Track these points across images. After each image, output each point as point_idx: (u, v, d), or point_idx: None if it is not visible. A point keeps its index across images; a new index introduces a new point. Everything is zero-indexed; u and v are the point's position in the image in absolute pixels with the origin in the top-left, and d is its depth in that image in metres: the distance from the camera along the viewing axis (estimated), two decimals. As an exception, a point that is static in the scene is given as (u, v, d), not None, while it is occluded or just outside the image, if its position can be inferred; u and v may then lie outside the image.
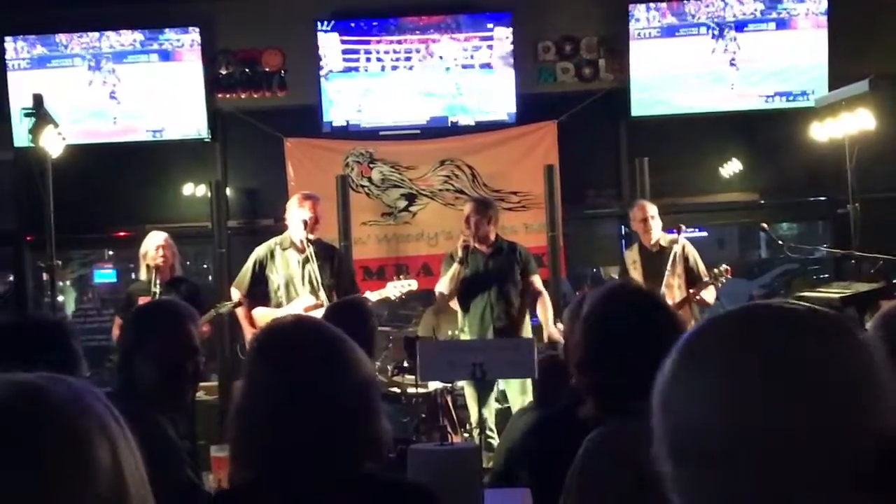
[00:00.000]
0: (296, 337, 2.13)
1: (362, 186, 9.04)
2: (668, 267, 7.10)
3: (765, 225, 8.34)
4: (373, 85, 9.01)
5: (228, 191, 9.17)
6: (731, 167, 9.46)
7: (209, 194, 8.78)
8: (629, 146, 9.25)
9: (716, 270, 7.04)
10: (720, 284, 7.08)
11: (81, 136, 8.61)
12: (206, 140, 9.05)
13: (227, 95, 9.20)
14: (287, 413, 1.99)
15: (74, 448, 0.97)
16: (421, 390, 6.62)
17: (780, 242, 8.58)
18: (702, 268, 7.23)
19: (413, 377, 6.27)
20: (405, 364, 6.88)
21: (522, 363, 4.76)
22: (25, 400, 0.99)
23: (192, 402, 6.81)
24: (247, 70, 9.20)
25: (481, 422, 6.32)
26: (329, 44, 8.95)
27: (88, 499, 0.96)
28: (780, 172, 9.22)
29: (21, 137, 8.08)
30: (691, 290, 7.03)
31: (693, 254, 7.26)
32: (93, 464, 0.97)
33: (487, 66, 8.99)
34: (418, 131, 9.05)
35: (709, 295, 7.09)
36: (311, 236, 6.58)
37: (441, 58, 9.00)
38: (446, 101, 9.05)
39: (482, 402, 6.43)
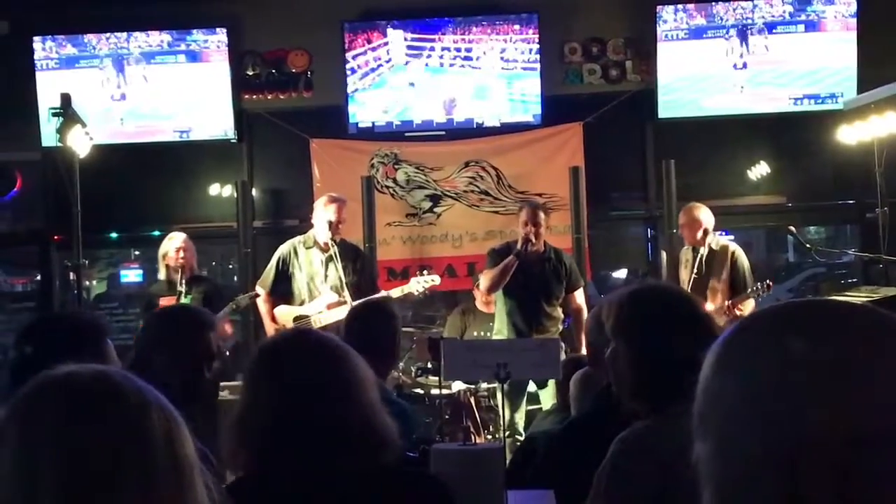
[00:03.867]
0: (292, 349, 2.29)
1: (387, 187, 9.04)
2: (715, 271, 7.10)
3: (792, 228, 8.27)
4: (398, 86, 9.02)
5: (254, 191, 9.20)
6: (759, 170, 9.40)
7: (235, 195, 8.80)
8: (655, 148, 9.21)
9: (758, 285, 7.00)
10: (759, 298, 7.03)
11: (109, 136, 8.67)
12: (233, 141, 9.09)
13: (254, 96, 9.23)
14: (283, 420, 2.15)
15: (133, 419, 1.17)
16: (445, 391, 6.61)
17: (807, 246, 8.51)
18: (748, 277, 7.18)
19: (437, 378, 6.26)
20: (429, 365, 6.87)
21: (547, 364, 4.74)
22: (97, 381, 1.22)
23: (215, 401, 6.87)
24: (273, 71, 9.23)
25: (512, 424, 6.31)
26: (355, 45, 8.96)
27: (147, 464, 1.16)
28: (808, 175, 9.16)
29: (49, 137, 8.12)
30: (729, 303, 6.98)
31: (743, 262, 7.22)
32: (149, 432, 1.17)
33: (513, 67, 8.97)
34: (443, 132, 9.04)
35: (748, 309, 7.03)
36: (330, 239, 6.63)
37: (467, 59, 8.99)
38: (471, 103, 9.04)
39: (514, 405, 6.43)
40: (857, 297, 6.59)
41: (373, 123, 9.05)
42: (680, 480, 1.10)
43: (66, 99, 6.95)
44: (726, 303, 6.99)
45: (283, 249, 6.87)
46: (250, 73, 9.19)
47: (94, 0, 8.98)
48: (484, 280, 7.04)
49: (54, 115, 6.90)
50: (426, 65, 9.00)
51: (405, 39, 9.00)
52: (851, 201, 9.20)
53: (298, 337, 2.45)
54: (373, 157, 9.06)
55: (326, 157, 9.06)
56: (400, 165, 9.07)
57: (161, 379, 2.90)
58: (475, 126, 9.06)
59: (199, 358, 3.09)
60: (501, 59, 8.98)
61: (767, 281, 7.09)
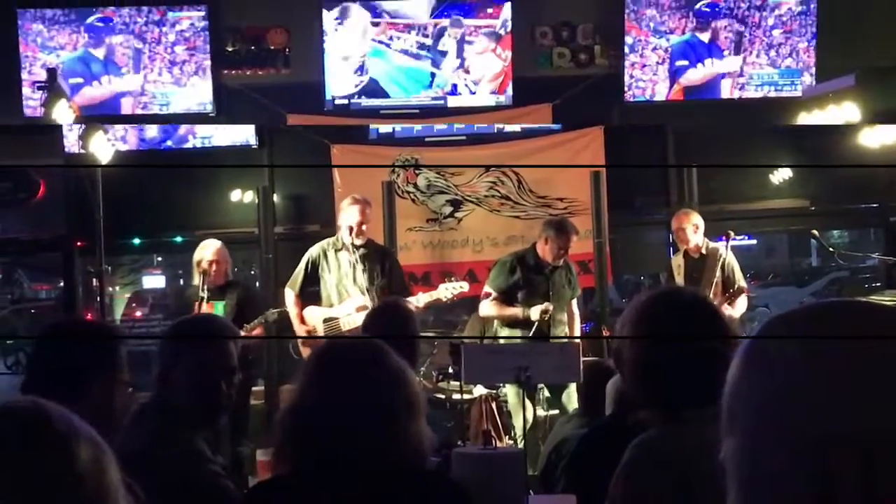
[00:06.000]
0: (349, 360, 2.38)
1: (408, 192, 9.04)
2: (706, 274, 7.08)
3: (815, 232, 8.24)
4: (372, 63, 9.19)
5: (275, 197, 9.23)
6: (781, 174, 9.35)
7: (256, 200, 8.83)
8: (677, 153, 9.19)
9: (731, 290, 6.99)
10: (735, 301, 7.02)
11: (131, 144, 8.76)
12: (254, 147, 9.14)
13: (234, 72, 9.29)
14: (334, 422, 2.25)
15: (62, 447, 1.22)
16: (466, 396, 6.60)
17: (830, 250, 8.48)
18: (737, 278, 7.15)
19: (458, 383, 6.26)
20: (450, 370, 6.86)
21: (568, 367, 4.72)
22: (28, 412, 1.26)
23: (246, 409, 6.90)
24: (252, 48, 9.32)
25: (525, 426, 6.28)
26: (330, 24, 9.11)
27: (75, 489, 1.20)
28: (831, 179, 9.11)
29: (72, 144, 8.20)
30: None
31: (731, 262, 7.18)
32: (78, 459, 1.22)
33: (484, 49, 9.13)
34: (464, 137, 9.08)
35: (732, 310, 6.98)
36: (357, 241, 6.62)
37: (441, 40, 9.14)
38: (445, 82, 9.20)
39: (526, 405, 6.39)
40: (882, 301, 6.54)
41: (393, 129, 9.13)
42: (695, 486, 1.09)
43: (51, 73, 7.03)
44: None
45: (313, 252, 6.87)
46: (230, 49, 9.27)
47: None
48: (491, 311, 6.96)
49: (39, 88, 6.97)
50: (398, 43, 9.16)
51: (379, 20, 9.16)
52: (875, 205, 9.14)
53: (359, 348, 2.50)
54: (393, 163, 9.08)
55: (347, 163, 9.08)
56: (421, 171, 9.07)
57: (177, 398, 2.89)
58: (496, 131, 9.09)
59: (216, 372, 3.00)
60: (476, 42, 9.13)
61: (742, 283, 7.08)
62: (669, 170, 9.24)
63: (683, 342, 2.29)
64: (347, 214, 6.67)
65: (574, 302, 7.19)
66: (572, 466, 3.52)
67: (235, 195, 9.56)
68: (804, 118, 8.00)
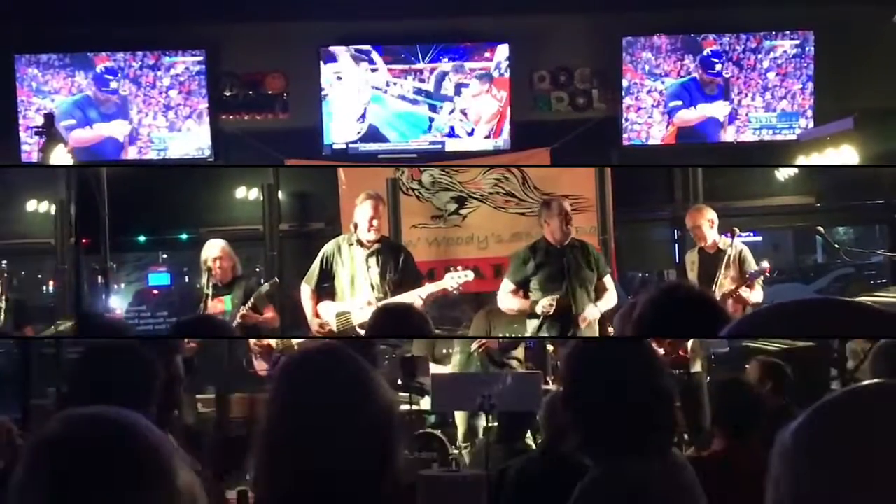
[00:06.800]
0: (320, 367, 2.13)
1: (412, 189, 9.03)
2: (722, 270, 7.05)
3: (821, 228, 8.23)
4: (371, 110, 9.52)
5: (280, 194, 9.23)
6: (786, 169, 9.33)
7: (261, 198, 8.83)
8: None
9: (755, 269, 6.97)
10: (755, 283, 6.99)
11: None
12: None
13: (232, 117, 9.51)
14: (309, 441, 2.04)
15: (157, 468, 1.15)
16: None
17: (836, 246, 8.47)
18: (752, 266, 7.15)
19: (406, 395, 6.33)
20: (398, 382, 6.93)
21: (528, 396, 4.76)
22: (117, 430, 1.18)
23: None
24: (250, 92, 9.58)
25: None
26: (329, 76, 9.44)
27: None
28: (837, 175, 9.08)
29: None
30: (733, 288, 6.94)
31: (747, 255, 7.17)
32: (173, 482, 1.16)
33: (482, 90, 9.45)
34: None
35: (752, 294, 6.97)
36: (370, 236, 6.64)
37: (442, 84, 9.39)
38: (443, 125, 9.54)
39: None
40: (887, 298, 6.55)
41: (347, 145, 9.52)
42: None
43: (48, 118, 7.03)
44: (731, 288, 6.92)
45: (328, 247, 6.90)
46: (227, 94, 9.46)
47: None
48: (505, 304, 6.95)
49: (36, 133, 6.97)
50: (398, 87, 9.46)
51: (379, 65, 9.47)
52: (881, 201, 9.12)
53: (324, 355, 2.27)
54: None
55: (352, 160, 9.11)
56: (425, 168, 9.06)
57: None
58: (493, 148, 9.37)
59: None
60: (468, 84, 9.46)
61: (764, 263, 7.04)
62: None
63: (622, 383, 2.24)
64: (361, 210, 6.70)
65: (608, 279, 7.06)
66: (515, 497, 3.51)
67: (240, 192, 9.56)
68: (802, 161, 8.04)
